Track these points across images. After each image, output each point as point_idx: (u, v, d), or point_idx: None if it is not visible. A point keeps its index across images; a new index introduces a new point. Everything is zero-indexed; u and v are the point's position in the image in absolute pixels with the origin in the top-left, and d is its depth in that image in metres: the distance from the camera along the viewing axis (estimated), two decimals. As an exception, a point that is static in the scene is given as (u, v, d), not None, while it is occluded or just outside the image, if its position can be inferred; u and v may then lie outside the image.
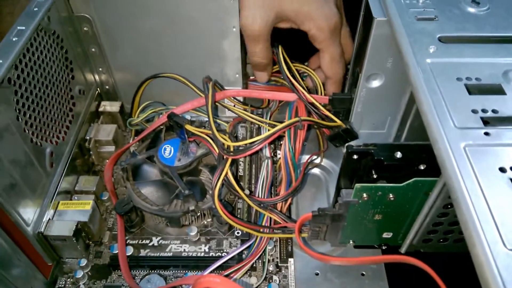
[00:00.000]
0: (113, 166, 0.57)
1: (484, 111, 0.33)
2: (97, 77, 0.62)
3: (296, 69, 0.59)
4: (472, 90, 0.35)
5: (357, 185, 0.40)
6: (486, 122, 0.33)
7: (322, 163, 0.59)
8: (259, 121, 0.58)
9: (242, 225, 0.48)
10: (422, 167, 0.37)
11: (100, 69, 0.61)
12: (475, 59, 0.38)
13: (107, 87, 0.63)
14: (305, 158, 0.59)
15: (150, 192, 0.51)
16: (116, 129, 0.60)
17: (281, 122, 0.54)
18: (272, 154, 0.57)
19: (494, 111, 0.33)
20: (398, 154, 0.37)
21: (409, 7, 0.43)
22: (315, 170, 0.60)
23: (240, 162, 0.59)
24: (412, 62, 0.37)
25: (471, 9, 0.43)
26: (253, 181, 0.57)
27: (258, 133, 0.63)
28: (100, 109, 0.62)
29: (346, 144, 0.38)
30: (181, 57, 0.59)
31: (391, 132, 0.52)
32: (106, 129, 0.60)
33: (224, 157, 0.48)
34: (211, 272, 0.47)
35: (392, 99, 0.50)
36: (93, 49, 0.58)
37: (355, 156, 0.38)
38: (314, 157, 0.59)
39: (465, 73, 0.36)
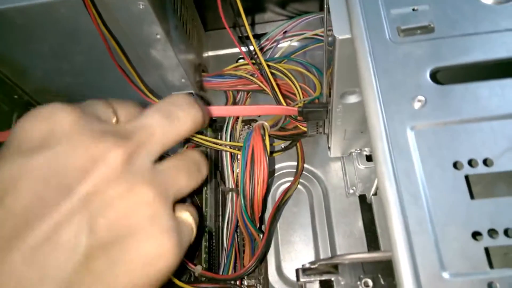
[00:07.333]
0: None
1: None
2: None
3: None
4: (477, 188, 0.21)
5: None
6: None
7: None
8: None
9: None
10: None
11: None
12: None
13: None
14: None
15: None
16: None
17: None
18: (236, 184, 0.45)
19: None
20: (370, 285, 0.24)
21: (389, 7, 0.28)
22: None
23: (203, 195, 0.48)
24: (381, 137, 0.23)
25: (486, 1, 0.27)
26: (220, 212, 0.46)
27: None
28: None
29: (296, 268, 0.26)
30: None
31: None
32: None
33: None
34: None
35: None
36: None
37: (303, 279, 0.26)
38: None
39: (468, 150, 0.22)
